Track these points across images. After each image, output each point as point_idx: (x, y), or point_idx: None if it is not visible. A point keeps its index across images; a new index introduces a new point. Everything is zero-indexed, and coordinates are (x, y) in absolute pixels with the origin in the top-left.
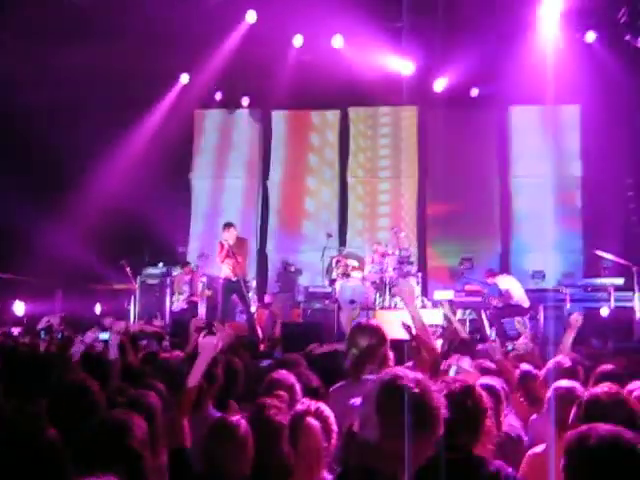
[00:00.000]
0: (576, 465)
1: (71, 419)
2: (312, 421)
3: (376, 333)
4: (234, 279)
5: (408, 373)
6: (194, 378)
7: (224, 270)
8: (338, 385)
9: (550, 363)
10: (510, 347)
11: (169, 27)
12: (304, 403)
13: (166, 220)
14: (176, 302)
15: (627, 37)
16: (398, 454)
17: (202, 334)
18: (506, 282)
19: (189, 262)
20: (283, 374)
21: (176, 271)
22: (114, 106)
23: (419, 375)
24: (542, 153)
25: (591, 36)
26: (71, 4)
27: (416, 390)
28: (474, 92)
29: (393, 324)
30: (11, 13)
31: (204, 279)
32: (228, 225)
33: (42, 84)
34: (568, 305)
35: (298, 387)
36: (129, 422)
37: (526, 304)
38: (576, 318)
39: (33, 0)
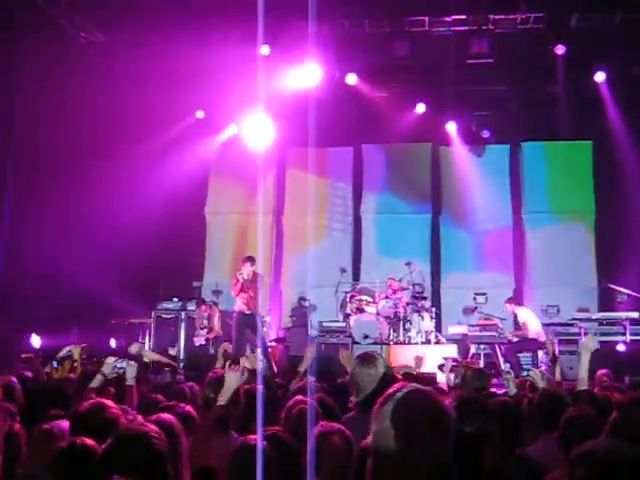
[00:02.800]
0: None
1: (92, 434)
2: (337, 440)
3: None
4: (247, 312)
5: (420, 387)
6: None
7: (238, 303)
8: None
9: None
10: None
11: (185, 64)
12: (325, 424)
13: (181, 254)
14: (196, 337)
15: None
16: (415, 462)
17: (228, 365)
18: (524, 314)
19: (204, 299)
20: (301, 397)
21: (191, 306)
22: (128, 141)
23: (430, 389)
24: (555, 188)
25: (600, 76)
26: (89, 42)
27: (429, 400)
28: (485, 134)
29: (407, 359)
30: (27, 50)
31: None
32: (247, 259)
33: (59, 121)
34: (583, 339)
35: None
36: (147, 431)
37: (542, 338)
38: (589, 342)
39: (49, 38)
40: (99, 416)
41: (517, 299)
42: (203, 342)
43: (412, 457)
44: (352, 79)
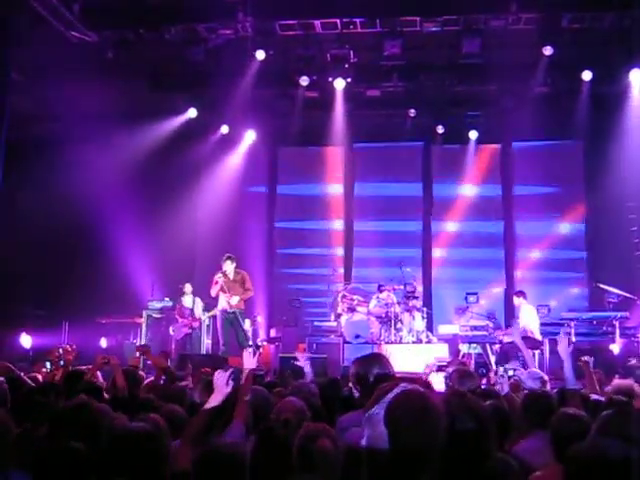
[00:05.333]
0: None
1: (75, 436)
2: (324, 441)
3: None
4: (230, 310)
5: (412, 388)
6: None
7: (221, 302)
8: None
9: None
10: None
11: (178, 61)
12: (311, 425)
13: (171, 254)
14: (177, 330)
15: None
16: (409, 462)
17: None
18: (526, 311)
19: (185, 292)
20: (292, 399)
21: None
22: (119, 138)
23: (423, 389)
24: (545, 188)
25: (588, 75)
26: (84, 43)
27: (422, 401)
28: (473, 135)
29: (398, 358)
30: (23, 52)
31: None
32: (227, 258)
33: (53, 117)
34: (574, 339)
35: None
36: (144, 431)
37: (538, 337)
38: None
39: (45, 39)
40: (82, 415)
41: (524, 293)
42: (188, 331)
43: (406, 457)
44: (340, 84)
